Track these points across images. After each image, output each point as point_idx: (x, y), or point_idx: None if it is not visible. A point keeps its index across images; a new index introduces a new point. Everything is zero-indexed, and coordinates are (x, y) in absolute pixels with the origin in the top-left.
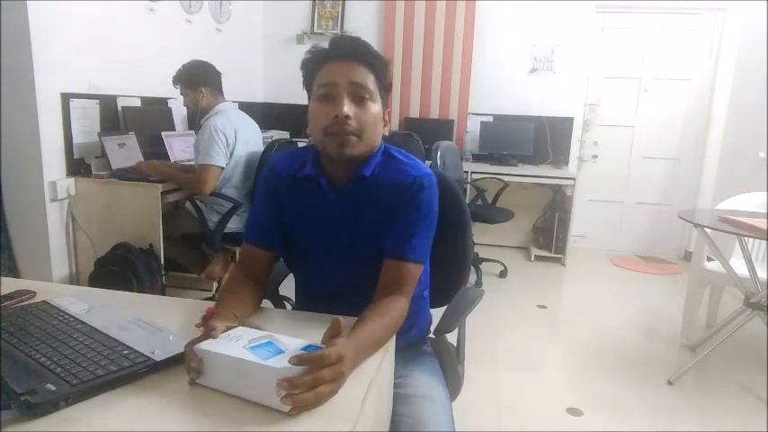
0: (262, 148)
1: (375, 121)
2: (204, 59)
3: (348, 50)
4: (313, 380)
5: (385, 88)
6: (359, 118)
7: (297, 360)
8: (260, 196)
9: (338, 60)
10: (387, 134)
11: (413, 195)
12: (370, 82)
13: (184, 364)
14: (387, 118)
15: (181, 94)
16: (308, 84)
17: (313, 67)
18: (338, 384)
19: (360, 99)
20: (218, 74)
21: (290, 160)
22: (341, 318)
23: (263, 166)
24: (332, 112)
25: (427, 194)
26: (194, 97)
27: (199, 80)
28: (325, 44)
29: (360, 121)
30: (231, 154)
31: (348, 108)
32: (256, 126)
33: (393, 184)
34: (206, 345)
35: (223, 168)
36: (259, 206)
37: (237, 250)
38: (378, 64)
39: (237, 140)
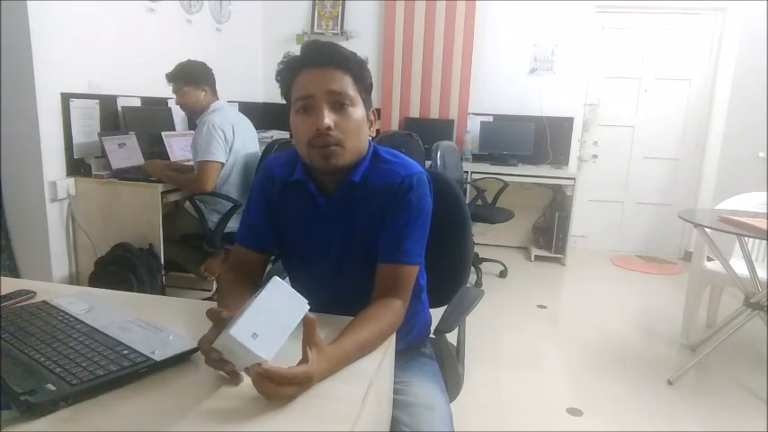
0: (257, 148)
1: (358, 126)
2: (204, 59)
3: (321, 57)
4: (274, 393)
5: (366, 89)
6: (341, 126)
7: (265, 372)
8: (253, 198)
9: (312, 68)
10: (373, 134)
11: (402, 196)
12: (349, 86)
13: (204, 360)
14: (372, 117)
15: (174, 92)
16: (285, 94)
17: (288, 77)
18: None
19: (340, 106)
20: (214, 74)
21: (283, 163)
22: (314, 317)
23: None
24: (313, 125)
25: (416, 194)
26: (195, 95)
27: (201, 78)
28: (297, 52)
29: (342, 130)
30: (230, 150)
31: (329, 119)
32: (251, 125)
33: (382, 186)
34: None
35: (223, 164)
36: (252, 208)
37: None
38: (354, 66)
39: (236, 136)
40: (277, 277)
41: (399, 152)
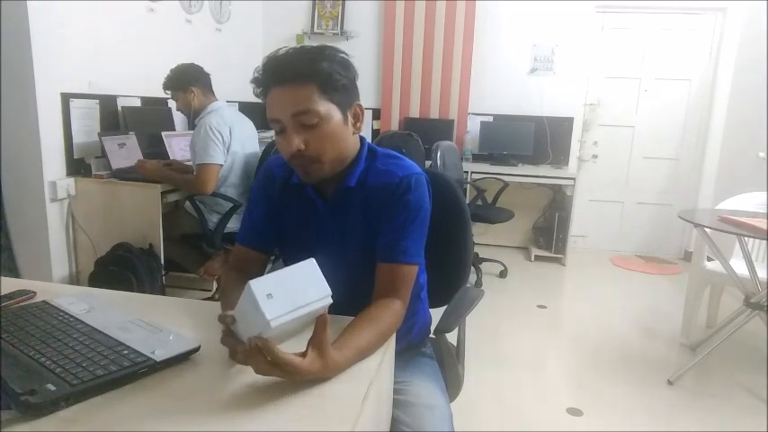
0: (257, 148)
1: (334, 138)
2: (204, 59)
3: (282, 73)
4: (261, 369)
5: (340, 90)
6: (313, 145)
7: (264, 345)
8: (255, 198)
9: (278, 86)
10: (359, 131)
11: (400, 196)
12: (315, 101)
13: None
14: (358, 110)
15: (172, 99)
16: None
17: (260, 96)
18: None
19: (309, 126)
20: (207, 74)
21: (284, 164)
22: (328, 318)
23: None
24: (287, 147)
25: (415, 195)
26: (185, 98)
27: (187, 80)
28: (322, 42)
29: (316, 148)
30: (227, 151)
31: (298, 141)
32: (251, 125)
33: (380, 187)
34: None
35: (222, 165)
36: (254, 208)
37: None
38: (322, 74)
39: (233, 137)
40: (314, 259)
41: (399, 152)
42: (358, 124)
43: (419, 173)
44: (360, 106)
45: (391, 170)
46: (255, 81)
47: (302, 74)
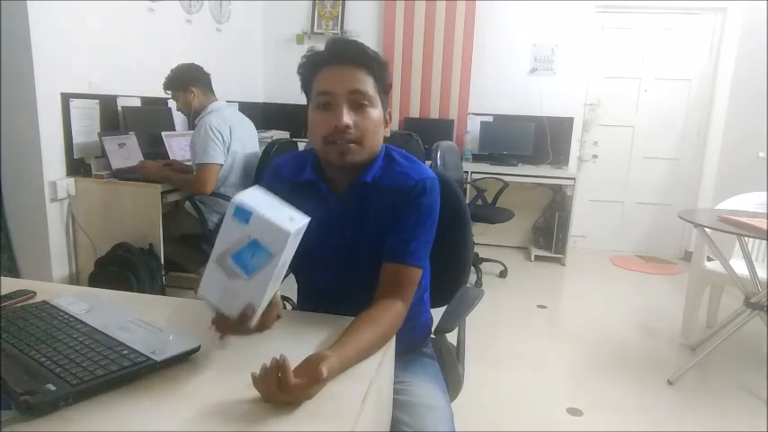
0: (257, 148)
1: (375, 126)
2: (204, 59)
3: (346, 54)
4: (273, 394)
5: (384, 89)
6: (359, 126)
7: (282, 365)
8: None
9: (336, 65)
10: (388, 135)
11: (414, 199)
12: (370, 87)
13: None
14: (387, 118)
15: (173, 99)
16: (305, 88)
17: (310, 71)
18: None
19: (359, 106)
20: (207, 74)
21: (291, 163)
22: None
23: (263, 166)
24: (332, 122)
25: (428, 198)
26: (186, 98)
27: (187, 80)
28: (322, 46)
29: (360, 129)
30: (228, 151)
31: (348, 117)
32: (252, 125)
33: (394, 188)
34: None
35: (222, 166)
36: None
37: None
38: (376, 66)
39: (233, 137)
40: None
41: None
42: (387, 127)
43: (433, 177)
44: (390, 113)
45: (407, 172)
46: (309, 57)
47: (366, 60)
